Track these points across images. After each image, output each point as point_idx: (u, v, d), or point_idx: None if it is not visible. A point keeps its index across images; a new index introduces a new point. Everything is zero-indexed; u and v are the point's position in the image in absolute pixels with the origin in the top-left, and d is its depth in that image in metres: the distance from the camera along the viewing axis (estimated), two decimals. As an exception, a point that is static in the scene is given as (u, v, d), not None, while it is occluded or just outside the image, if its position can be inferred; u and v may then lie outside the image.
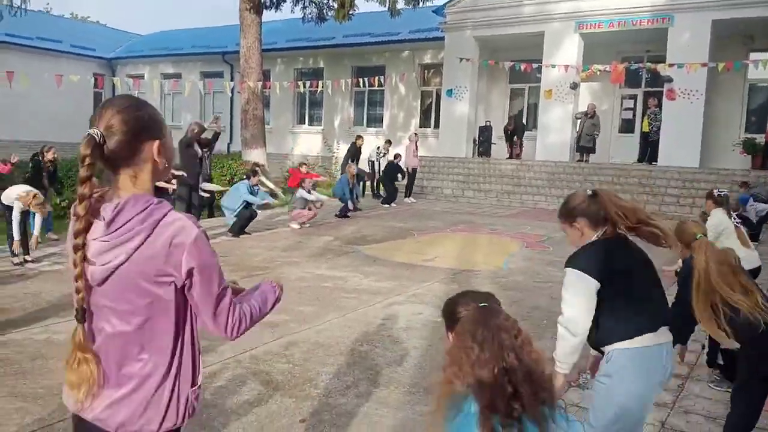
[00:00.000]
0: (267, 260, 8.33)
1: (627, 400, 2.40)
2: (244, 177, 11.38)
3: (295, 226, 11.19)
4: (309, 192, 11.50)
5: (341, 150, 19.17)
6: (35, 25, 22.78)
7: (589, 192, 2.55)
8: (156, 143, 1.59)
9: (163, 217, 1.53)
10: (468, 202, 15.69)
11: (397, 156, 15.89)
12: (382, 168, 15.94)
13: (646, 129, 15.52)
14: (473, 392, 1.53)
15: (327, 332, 5.27)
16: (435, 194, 16.52)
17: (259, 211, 13.63)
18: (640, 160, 15.78)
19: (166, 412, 1.58)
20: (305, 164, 15.05)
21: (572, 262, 2.51)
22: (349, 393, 4.03)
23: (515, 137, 17.69)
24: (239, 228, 10.25)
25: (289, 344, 4.94)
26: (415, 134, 16.76)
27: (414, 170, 15.76)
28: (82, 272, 1.54)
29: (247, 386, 4.09)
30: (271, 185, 15.40)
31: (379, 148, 17.68)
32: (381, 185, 15.97)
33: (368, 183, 16.50)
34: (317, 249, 9.25)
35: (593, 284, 2.42)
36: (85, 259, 1.53)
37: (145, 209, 1.52)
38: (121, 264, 1.51)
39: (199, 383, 1.68)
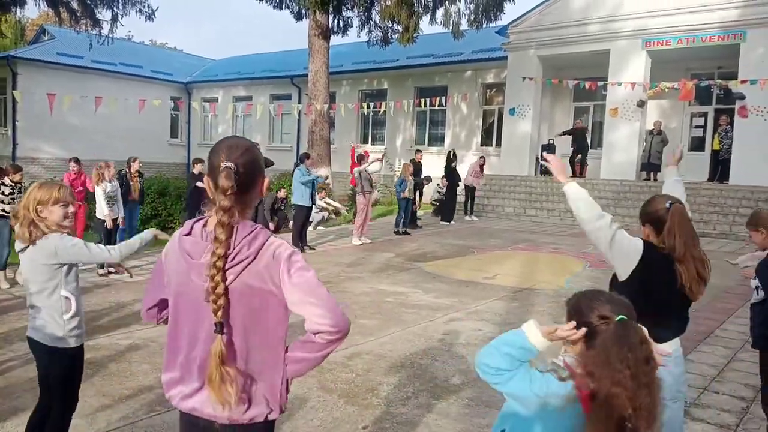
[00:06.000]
0: (332, 275, 8.59)
1: None
2: (298, 163, 11.60)
3: (357, 242, 11.48)
4: (363, 172, 11.76)
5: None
6: (118, 51, 23.97)
7: (667, 204, 2.54)
8: (263, 178, 1.86)
9: (265, 241, 1.73)
10: (530, 221, 15.58)
11: (427, 178, 15.87)
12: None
13: (716, 147, 15.05)
14: (595, 400, 1.61)
15: (389, 345, 5.45)
16: (496, 212, 16.48)
17: (322, 227, 14.02)
18: (710, 179, 15.29)
19: (279, 398, 1.82)
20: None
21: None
22: (409, 403, 4.19)
23: (578, 155, 17.40)
24: (299, 233, 10.72)
25: (352, 355, 5.14)
26: (482, 157, 16.79)
27: (472, 189, 15.79)
28: (224, 290, 1.67)
29: (313, 393, 4.31)
30: (336, 204, 15.81)
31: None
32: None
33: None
34: (379, 265, 9.47)
35: (640, 246, 2.54)
36: (225, 279, 1.67)
37: (250, 233, 1.72)
38: (230, 283, 1.70)
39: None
